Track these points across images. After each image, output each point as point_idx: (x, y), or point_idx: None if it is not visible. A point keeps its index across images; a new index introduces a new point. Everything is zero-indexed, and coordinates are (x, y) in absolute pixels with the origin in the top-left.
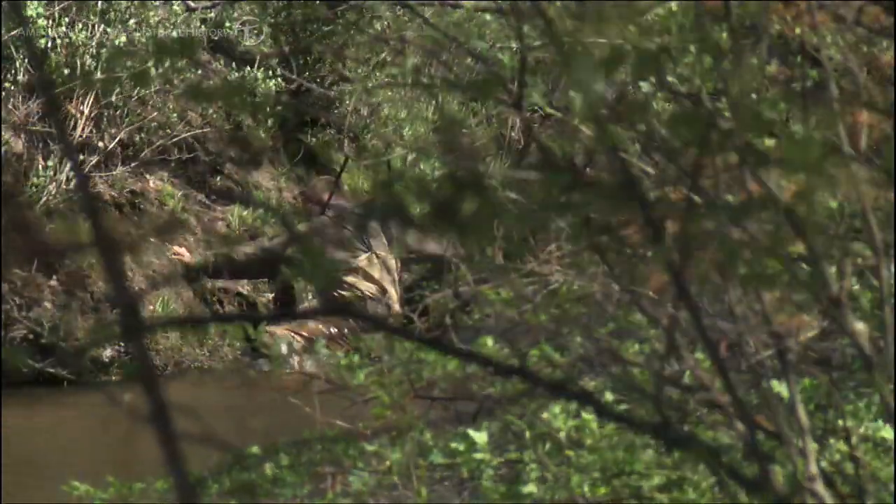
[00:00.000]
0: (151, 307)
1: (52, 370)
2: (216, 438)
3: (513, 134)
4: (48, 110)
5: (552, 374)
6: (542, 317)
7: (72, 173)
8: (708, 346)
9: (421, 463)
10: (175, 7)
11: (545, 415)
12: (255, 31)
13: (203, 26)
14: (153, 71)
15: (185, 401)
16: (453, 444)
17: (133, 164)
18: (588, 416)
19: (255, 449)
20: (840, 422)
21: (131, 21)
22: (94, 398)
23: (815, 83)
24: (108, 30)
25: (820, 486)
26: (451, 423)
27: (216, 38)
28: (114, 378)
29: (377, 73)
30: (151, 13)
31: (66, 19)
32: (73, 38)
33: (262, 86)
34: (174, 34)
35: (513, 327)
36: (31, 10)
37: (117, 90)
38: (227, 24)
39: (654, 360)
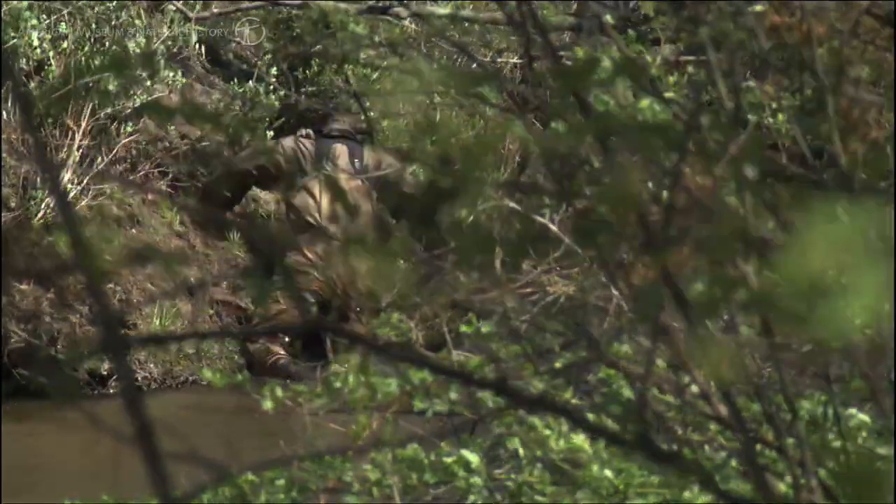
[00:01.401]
0: (150, 321)
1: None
2: (202, 457)
3: (511, 145)
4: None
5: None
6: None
7: (74, 186)
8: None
9: (415, 481)
10: (172, 14)
11: (537, 432)
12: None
13: (198, 26)
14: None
15: (179, 415)
16: (446, 459)
17: (132, 177)
18: (577, 437)
19: (249, 477)
20: (835, 438)
21: (138, 36)
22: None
23: (810, 96)
24: (104, 39)
25: (819, 497)
26: (447, 435)
27: (211, 39)
28: (111, 391)
29: (378, 84)
30: (149, 23)
31: (62, 27)
32: (68, 48)
33: (264, 100)
34: (161, 47)
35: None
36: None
37: (115, 102)
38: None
39: (637, 375)
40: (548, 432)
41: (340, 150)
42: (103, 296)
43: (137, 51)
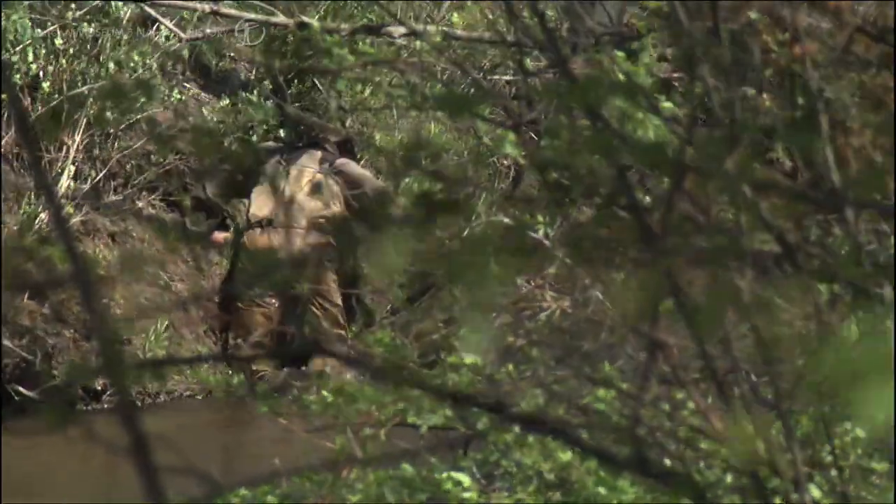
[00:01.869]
0: (143, 336)
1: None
2: (197, 471)
3: (504, 161)
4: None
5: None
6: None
7: (69, 201)
8: (710, 370)
9: (407, 498)
10: (163, 32)
11: (527, 458)
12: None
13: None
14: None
15: (174, 430)
16: (438, 476)
17: (125, 192)
18: (563, 455)
19: (242, 491)
20: (828, 454)
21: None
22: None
23: (803, 113)
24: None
25: None
26: (442, 451)
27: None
28: (105, 406)
29: (371, 98)
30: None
31: (58, 41)
32: (61, 65)
33: (257, 113)
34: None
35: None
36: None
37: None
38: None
39: (630, 392)
40: (535, 453)
41: (310, 157)
42: (100, 311)
43: (132, 64)
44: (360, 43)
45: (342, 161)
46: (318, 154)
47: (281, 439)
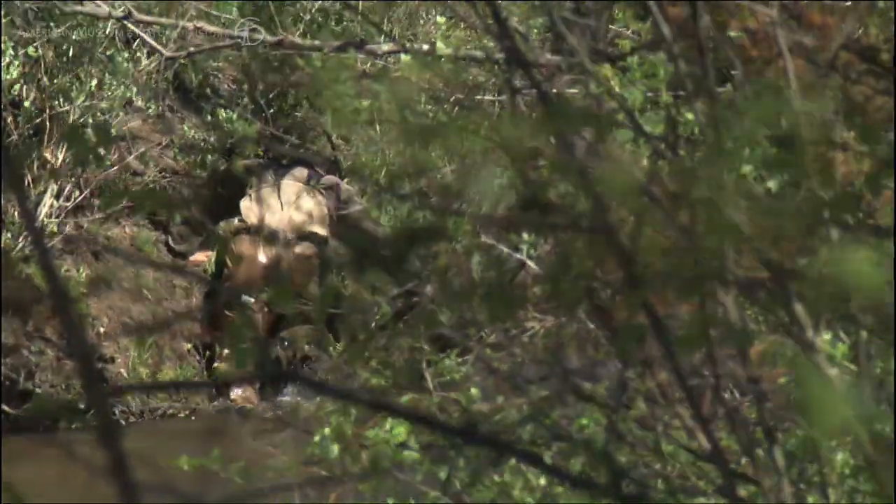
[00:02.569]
0: (127, 355)
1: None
2: (177, 490)
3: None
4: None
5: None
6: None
7: (52, 219)
8: (686, 391)
9: None
10: (141, 56)
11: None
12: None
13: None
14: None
15: (155, 447)
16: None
17: (108, 211)
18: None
19: None
20: (816, 474)
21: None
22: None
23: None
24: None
25: None
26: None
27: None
28: (91, 424)
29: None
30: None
31: (30, 50)
32: (46, 83)
33: (239, 128)
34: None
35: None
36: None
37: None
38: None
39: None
40: (518, 484)
41: (297, 174)
42: (79, 330)
43: (112, 84)
44: (347, 59)
45: (331, 179)
46: (305, 172)
47: (262, 457)
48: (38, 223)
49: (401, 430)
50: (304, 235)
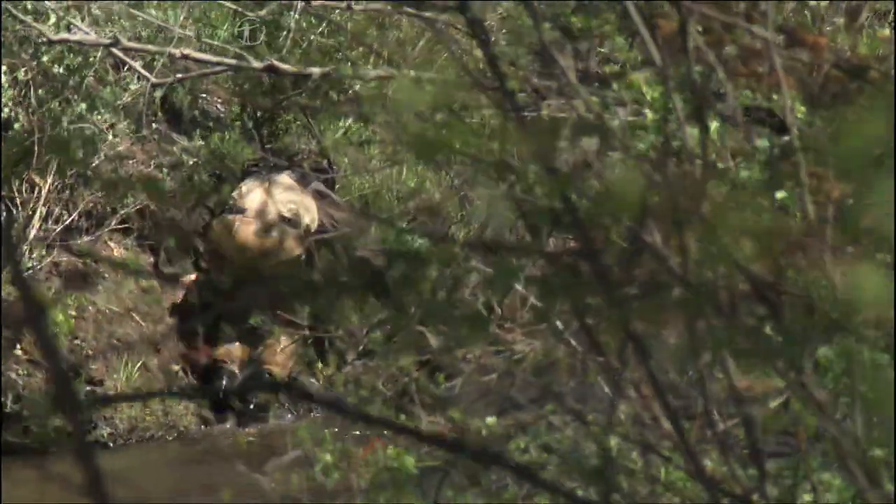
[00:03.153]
0: (115, 376)
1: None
2: None
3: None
4: None
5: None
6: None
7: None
8: (668, 412)
9: None
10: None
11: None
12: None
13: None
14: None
15: (139, 472)
16: None
17: (97, 234)
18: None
19: None
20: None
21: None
22: (63, 466)
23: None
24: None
25: None
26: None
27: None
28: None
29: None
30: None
31: (19, 74)
32: (35, 106)
33: (232, 150)
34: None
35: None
36: None
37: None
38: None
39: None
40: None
41: (288, 175)
42: (54, 352)
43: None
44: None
45: (321, 186)
46: (297, 174)
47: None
48: (12, 235)
49: (409, 461)
50: (294, 224)
